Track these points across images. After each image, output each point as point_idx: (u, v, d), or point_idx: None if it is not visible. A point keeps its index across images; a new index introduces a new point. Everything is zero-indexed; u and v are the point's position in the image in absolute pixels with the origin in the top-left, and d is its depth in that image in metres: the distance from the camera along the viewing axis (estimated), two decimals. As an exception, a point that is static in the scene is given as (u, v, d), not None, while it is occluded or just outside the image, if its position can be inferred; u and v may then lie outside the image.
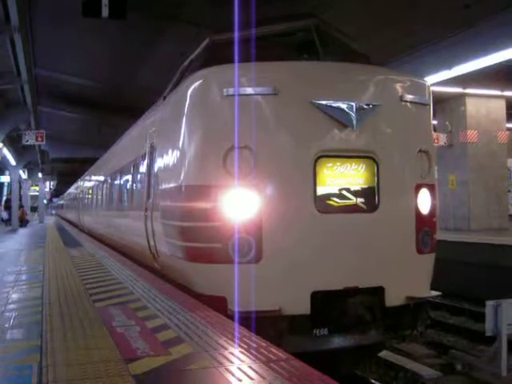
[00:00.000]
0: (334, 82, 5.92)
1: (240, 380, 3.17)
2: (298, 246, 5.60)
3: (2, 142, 22.65)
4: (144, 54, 16.49)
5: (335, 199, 5.75)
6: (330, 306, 5.65)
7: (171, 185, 6.49)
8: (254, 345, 3.94)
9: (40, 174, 42.89)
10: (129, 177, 10.62)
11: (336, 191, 5.76)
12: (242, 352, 3.74)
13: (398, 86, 6.18)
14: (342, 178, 5.78)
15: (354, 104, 5.66)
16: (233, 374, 3.27)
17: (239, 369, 3.37)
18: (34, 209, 55.87)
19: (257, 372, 3.31)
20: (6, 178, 34.66)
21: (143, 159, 8.63)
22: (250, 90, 5.61)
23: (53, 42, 16.39)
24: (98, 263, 9.58)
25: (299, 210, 5.63)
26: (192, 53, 7.69)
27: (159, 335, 4.22)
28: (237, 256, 5.44)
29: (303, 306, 5.50)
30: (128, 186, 10.86)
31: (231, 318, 5.03)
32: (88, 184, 21.75)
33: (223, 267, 5.52)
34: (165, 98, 7.80)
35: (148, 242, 7.81)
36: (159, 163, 7.32)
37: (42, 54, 17.20)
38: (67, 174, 51.35)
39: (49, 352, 3.78)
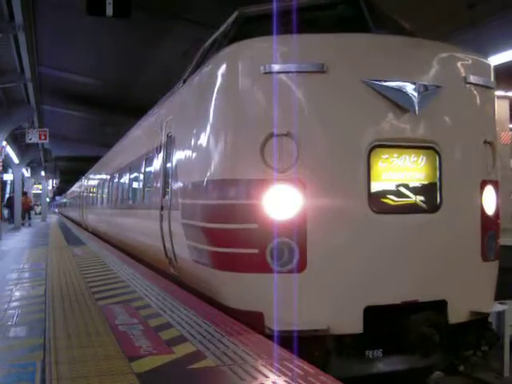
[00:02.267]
0: (391, 58, 5.00)
1: (243, 379, 3.17)
2: (349, 252, 4.76)
3: (6, 140, 22.67)
4: (148, 52, 16.51)
5: (392, 197, 4.91)
6: (385, 324, 4.78)
7: (195, 180, 5.67)
8: (257, 344, 3.94)
9: (43, 173, 42.93)
10: (140, 172, 9.66)
11: (393, 187, 4.92)
12: (244, 351, 3.74)
13: (462, 66, 5.28)
14: (399, 172, 4.94)
15: (416, 85, 4.80)
16: (236, 373, 3.27)
17: (242, 368, 3.37)
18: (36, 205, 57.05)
19: (260, 371, 3.31)
20: (9, 176, 34.71)
21: (158, 152, 7.74)
22: (292, 67, 4.71)
23: (56, 40, 16.45)
24: (101, 262, 9.58)
25: (350, 209, 4.78)
26: (215, 32, 6.85)
27: (162, 334, 4.22)
28: (276, 264, 4.62)
29: (355, 324, 4.64)
30: (139, 183, 9.93)
31: (269, 337, 4.30)
32: (93, 182, 21.32)
33: (260, 277, 4.69)
34: (185, 80, 6.87)
35: (163, 244, 7.03)
36: (179, 155, 6.46)
37: (45, 52, 17.23)
38: (70, 172, 51.59)
39: (52, 349, 3.80)
